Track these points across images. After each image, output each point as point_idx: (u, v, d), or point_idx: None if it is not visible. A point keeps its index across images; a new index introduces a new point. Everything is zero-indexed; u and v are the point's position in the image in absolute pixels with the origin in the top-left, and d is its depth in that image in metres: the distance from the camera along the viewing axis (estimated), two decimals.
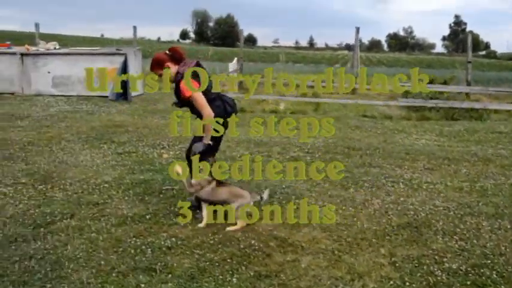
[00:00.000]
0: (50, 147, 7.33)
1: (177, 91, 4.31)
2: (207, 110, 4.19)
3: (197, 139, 4.37)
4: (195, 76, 4.23)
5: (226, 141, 7.63)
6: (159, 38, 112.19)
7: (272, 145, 7.77)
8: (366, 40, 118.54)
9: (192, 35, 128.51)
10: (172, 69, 4.32)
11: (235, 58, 15.24)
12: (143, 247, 3.97)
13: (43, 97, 13.03)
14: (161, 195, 5.20)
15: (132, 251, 3.89)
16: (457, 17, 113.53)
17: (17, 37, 42.48)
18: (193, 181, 4.39)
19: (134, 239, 4.13)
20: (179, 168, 4.42)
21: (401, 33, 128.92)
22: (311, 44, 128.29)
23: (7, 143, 7.44)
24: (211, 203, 4.39)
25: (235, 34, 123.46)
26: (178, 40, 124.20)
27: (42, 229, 4.27)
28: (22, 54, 13.70)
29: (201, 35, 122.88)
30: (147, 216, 4.62)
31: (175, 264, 3.70)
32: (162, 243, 4.05)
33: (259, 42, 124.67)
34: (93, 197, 5.11)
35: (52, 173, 5.93)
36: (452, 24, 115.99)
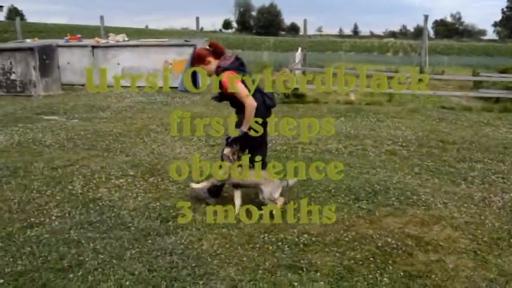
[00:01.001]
0: (141, 138, 7.37)
1: (219, 85, 4.31)
2: (250, 99, 4.20)
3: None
4: (237, 69, 4.28)
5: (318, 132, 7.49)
6: (201, 29, 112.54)
7: (362, 138, 7.57)
8: (411, 27, 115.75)
9: (234, 24, 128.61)
10: (213, 63, 4.38)
11: (299, 48, 14.97)
12: (279, 243, 3.89)
13: (115, 88, 13.17)
14: None
15: (270, 248, 3.81)
16: (510, 1, 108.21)
17: (67, 30, 43.55)
18: (225, 151, 4.44)
19: (266, 234, 4.04)
20: (194, 185, 4.71)
21: (449, 19, 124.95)
22: (355, 31, 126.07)
23: (100, 135, 7.54)
24: (242, 187, 4.46)
25: (277, 23, 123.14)
26: (220, 30, 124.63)
27: (170, 223, 4.24)
28: (93, 47, 13.89)
29: (244, 25, 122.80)
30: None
31: (318, 262, 3.61)
32: (297, 239, 3.96)
33: (302, 31, 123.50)
34: None
35: (156, 165, 5.94)
36: (505, 9, 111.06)
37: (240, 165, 4.41)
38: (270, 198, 4.30)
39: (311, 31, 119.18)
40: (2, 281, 3.27)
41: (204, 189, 4.62)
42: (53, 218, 4.33)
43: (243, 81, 4.26)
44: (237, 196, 4.48)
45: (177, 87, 13.07)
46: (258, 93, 4.38)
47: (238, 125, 4.35)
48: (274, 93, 4.69)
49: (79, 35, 15.16)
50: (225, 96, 4.39)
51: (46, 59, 12.21)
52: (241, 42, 51.40)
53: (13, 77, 12.20)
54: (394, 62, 22.76)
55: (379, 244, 3.92)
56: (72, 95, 12.32)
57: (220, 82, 4.29)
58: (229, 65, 4.30)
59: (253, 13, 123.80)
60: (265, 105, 4.41)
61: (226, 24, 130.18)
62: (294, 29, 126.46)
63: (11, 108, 9.97)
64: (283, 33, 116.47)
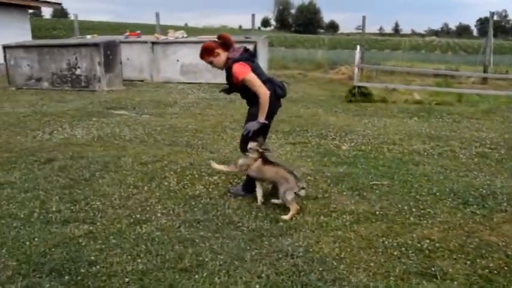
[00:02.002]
0: (218, 135, 7.28)
1: (229, 76, 4.30)
2: (263, 89, 4.17)
3: (249, 121, 4.36)
4: (247, 60, 4.25)
5: (396, 133, 7.25)
6: (240, 26, 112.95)
7: (446, 139, 7.27)
8: (452, 25, 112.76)
9: (273, 22, 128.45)
10: (222, 55, 4.33)
11: (358, 46, 14.65)
12: (402, 249, 3.68)
13: (174, 84, 13.19)
14: (377, 191, 4.90)
15: (394, 253, 3.61)
16: None
17: (113, 28, 44.34)
18: (240, 161, 4.44)
19: (384, 238, 3.84)
20: (214, 165, 4.69)
21: (495, 17, 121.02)
22: (396, 30, 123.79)
23: (177, 130, 7.48)
24: (260, 180, 4.44)
25: (317, 21, 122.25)
26: (259, 28, 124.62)
27: (280, 224, 4.10)
28: (153, 43, 13.93)
29: (282, 22, 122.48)
30: (377, 213, 4.31)
31: (450, 270, 3.38)
32: (419, 245, 3.74)
33: (341, 29, 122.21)
34: (308, 190, 4.88)
35: None
36: None
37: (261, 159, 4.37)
38: (283, 199, 4.24)
39: (350, 29, 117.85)
40: (127, 279, 3.17)
41: (240, 188, 4.71)
42: (158, 215, 4.24)
43: (253, 71, 4.23)
44: (258, 186, 4.48)
45: None
46: (269, 83, 4.33)
47: (251, 118, 4.35)
48: (284, 83, 4.59)
49: (138, 31, 15.25)
50: (235, 87, 4.37)
51: (110, 54, 12.31)
52: (282, 40, 51.07)
53: (78, 72, 12.35)
54: (451, 61, 22.07)
55: (509, 253, 3.65)
56: (134, 90, 12.38)
57: (231, 73, 4.25)
58: (240, 56, 4.27)
59: (292, 11, 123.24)
60: (276, 94, 4.36)
61: (265, 22, 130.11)
62: (332, 26, 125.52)
63: (80, 103, 10.07)
64: (321, 31, 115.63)
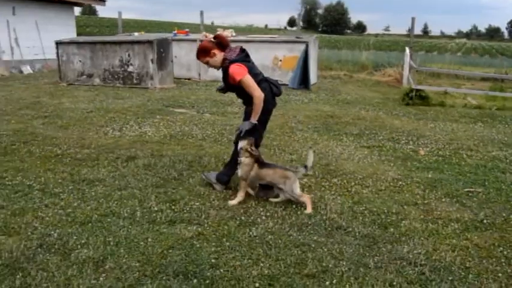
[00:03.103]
0: (289, 136, 7.25)
1: (225, 76, 4.38)
2: (258, 92, 4.24)
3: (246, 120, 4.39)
4: (244, 61, 4.30)
5: (468, 138, 7.07)
6: (266, 26, 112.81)
7: None
8: (482, 28, 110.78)
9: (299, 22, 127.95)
10: (218, 55, 4.38)
11: (407, 48, 14.43)
12: None
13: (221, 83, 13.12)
14: (474, 199, 4.77)
15: None
16: None
17: (142, 25, 44.62)
18: (239, 173, 4.47)
19: (501, 248, 3.74)
20: (232, 202, 4.50)
21: None
22: (425, 31, 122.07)
23: None
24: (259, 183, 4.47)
25: (344, 21, 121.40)
26: (285, 28, 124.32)
27: (391, 229, 4.00)
28: (201, 42, 13.90)
29: (309, 22, 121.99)
30: (484, 222, 4.18)
31: None
32: None
33: (369, 30, 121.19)
34: (404, 196, 4.79)
35: (328, 165, 5.75)
36: None
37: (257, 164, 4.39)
38: (293, 196, 4.30)
39: (378, 30, 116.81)
40: (257, 284, 3.11)
41: (213, 175, 4.76)
42: (263, 217, 4.17)
43: (249, 72, 4.28)
44: (244, 188, 4.50)
45: (286, 84, 12.85)
46: (265, 82, 4.43)
47: (247, 116, 4.39)
48: (279, 81, 4.72)
49: (187, 30, 15.28)
50: (232, 87, 4.44)
51: (162, 52, 12.34)
52: (327, 41, 50.72)
53: (130, 68, 12.41)
54: (495, 64, 21.59)
55: None
56: (185, 88, 12.40)
57: (227, 74, 4.31)
58: (236, 57, 4.32)
59: (319, 11, 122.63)
60: (272, 93, 4.46)
61: (292, 22, 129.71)
62: (359, 27, 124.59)
63: (138, 100, 10.10)
64: (349, 31, 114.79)
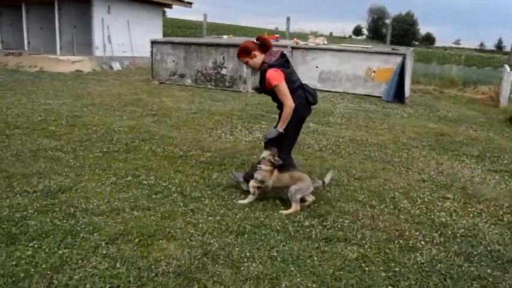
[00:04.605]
0: (406, 152, 6.92)
1: (262, 80, 4.35)
2: (289, 101, 4.25)
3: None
4: (282, 66, 4.29)
5: None
6: (331, 33, 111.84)
7: None
8: None
9: (365, 31, 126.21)
10: (258, 57, 4.40)
11: (505, 65, 13.66)
12: None
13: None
14: None
15: None
16: None
17: (213, 28, 45.19)
18: (258, 177, 4.42)
19: None
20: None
21: None
22: (499, 46, 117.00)
23: (359, 143, 7.18)
24: (274, 188, 4.45)
25: (412, 33, 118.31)
26: (350, 36, 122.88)
27: None
28: (292, 48, 13.77)
29: (376, 32, 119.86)
30: None
31: None
32: None
33: (438, 43, 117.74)
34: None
35: (464, 188, 5.34)
36: None
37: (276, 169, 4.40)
38: (291, 196, 4.30)
39: (447, 43, 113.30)
40: None
41: (241, 174, 4.73)
42: (422, 243, 3.91)
43: (286, 79, 4.26)
44: (256, 191, 4.46)
45: (379, 97, 12.47)
46: (301, 90, 4.42)
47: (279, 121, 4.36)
48: (316, 90, 4.63)
49: (277, 35, 15.17)
50: (266, 91, 4.41)
51: None
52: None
53: (223, 71, 12.42)
54: None
55: None
56: None
57: (264, 77, 4.29)
58: (275, 62, 4.32)
59: (387, 21, 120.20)
60: (308, 102, 4.44)
61: (357, 31, 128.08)
62: (428, 39, 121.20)
63: (236, 104, 10.07)
64: (416, 43, 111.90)
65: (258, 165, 4.47)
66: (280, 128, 4.34)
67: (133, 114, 8.41)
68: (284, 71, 4.31)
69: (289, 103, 4.27)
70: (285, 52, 11.02)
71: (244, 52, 4.48)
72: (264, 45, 4.45)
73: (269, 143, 4.48)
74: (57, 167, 5.31)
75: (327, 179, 4.58)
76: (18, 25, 19.23)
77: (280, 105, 4.42)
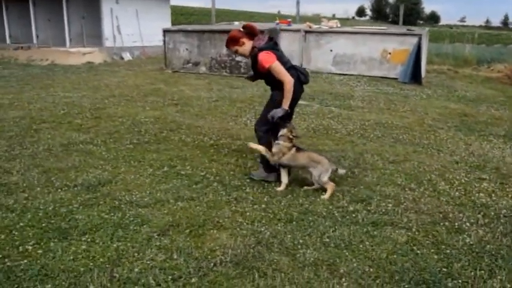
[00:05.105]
0: (433, 134, 6.90)
1: (254, 64, 4.46)
2: (288, 77, 4.31)
3: (270, 109, 4.48)
4: (272, 49, 4.42)
5: None
6: (333, 15, 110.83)
7: None
8: None
9: (368, 12, 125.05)
10: (247, 44, 4.51)
11: None
12: None
13: (326, 75, 12.87)
14: None
15: None
16: None
17: (215, 14, 44.85)
18: (274, 149, 4.48)
19: None
20: (252, 145, 4.68)
21: None
22: (505, 23, 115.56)
23: (386, 126, 7.19)
24: (290, 168, 4.56)
25: (417, 12, 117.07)
26: (353, 17, 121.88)
27: None
28: (306, 32, 13.69)
29: (379, 13, 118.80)
30: None
31: None
32: None
33: (442, 21, 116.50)
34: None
35: (497, 169, 5.35)
36: None
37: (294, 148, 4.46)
38: (318, 182, 4.37)
39: (452, 21, 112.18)
40: None
41: (261, 171, 4.74)
42: (468, 224, 3.92)
43: (278, 60, 4.36)
44: (284, 175, 4.55)
45: (395, 78, 12.41)
46: (293, 70, 4.48)
47: (272, 100, 4.54)
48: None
49: (289, 19, 15.08)
50: (260, 75, 4.53)
51: None
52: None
53: (238, 58, 12.36)
54: None
55: None
56: None
57: (256, 61, 4.39)
58: (265, 45, 4.44)
59: (390, 0, 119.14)
60: (300, 81, 4.49)
61: (360, 12, 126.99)
62: (433, 17, 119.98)
63: (255, 90, 10.03)
64: (421, 22, 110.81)
65: (276, 142, 4.53)
66: (285, 106, 4.39)
67: (155, 105, 8.42)
68: (275, 53, 4.42)
69: (288, 78, 4.33)
70: (299, 36, 11.13)
71: (232, 41, 4.58)
72: (250, 33, 4.55)
73: (285, 122, 4.53)
74: (92, 160, 5.33)
75: (340, 171, 4.63)
76: (25, 18, 19.19)
77: (274, 88, 4.56)
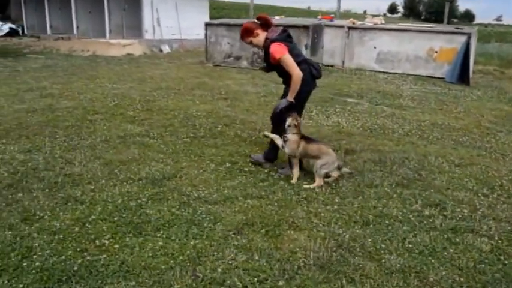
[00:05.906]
0: (493, 137, 6.72)
1: (266, 56, 4.48)
2: (296, 70, 4.30)
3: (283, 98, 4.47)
4: (284, 41, 4.38)
5: None
6: (365, 11, 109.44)
7: None
8: None
9: (400, 9, 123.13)
10: (261, 36, 4.51)
11: None
12: None
13: (370, 72, 12.67)
14: None
15: None
16: None
17: (243, 7, 44.77)
18: (286, 150, 4.56)
19: None
20: (268, 133, 4.85)
21: None
22: None
23: (443, 128, 6.99)
24: (300, 158, 4.58)
25: (451, 9, 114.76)
26: (385, 14, 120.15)
27: None
28: (349, 28, 13.48)
29: (412, 10, 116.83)
30: None
31: None
32: None
33: (477, 19, 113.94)
34: None
35: None
36: None
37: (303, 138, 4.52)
38: (316, 171, 4.42)
39: (488, 20, 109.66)
40: None
41: (260, 156, 4.90)
42: None
43: (290, 52, 4.33)
44: (296, 166, 4.56)
45: (442, 78, 12.12)
46: (305, 64, 4.48)
47: (285, 95, 4.48)
48: (320, 64, 4.68)
49: (332, 15, 14.89)
50: (273, 66, 4.51)
51: (316, 38, 12.07)
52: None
53: None
54: None
55: None
56: (335, 76, 12.08)
57: (268, 53, 4.39)
58: (277, 37, 4.41)
59: None
60: (312, 75, 4.49)
61: (392, 9, 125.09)
62: (467, 16, 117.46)
63: None
64: (455, 20, 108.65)
65: (284, 136, 4.52)
66: (290, 98, 4.40)
67: (204, 98, 8.39)
68: (287, 45, 4.40)
69: (297, 72, 4.31)
70: (342, 32, 10.98)
71: (247, 32, 4.59)
72: (265, 24, 4.54)
73: (290, 111, 4.51)
74: (151, 153, 5.32)
75: (344, 169, 4.64)
76: (66, 9, 19.43)
77: (286, 80, 4.52)
